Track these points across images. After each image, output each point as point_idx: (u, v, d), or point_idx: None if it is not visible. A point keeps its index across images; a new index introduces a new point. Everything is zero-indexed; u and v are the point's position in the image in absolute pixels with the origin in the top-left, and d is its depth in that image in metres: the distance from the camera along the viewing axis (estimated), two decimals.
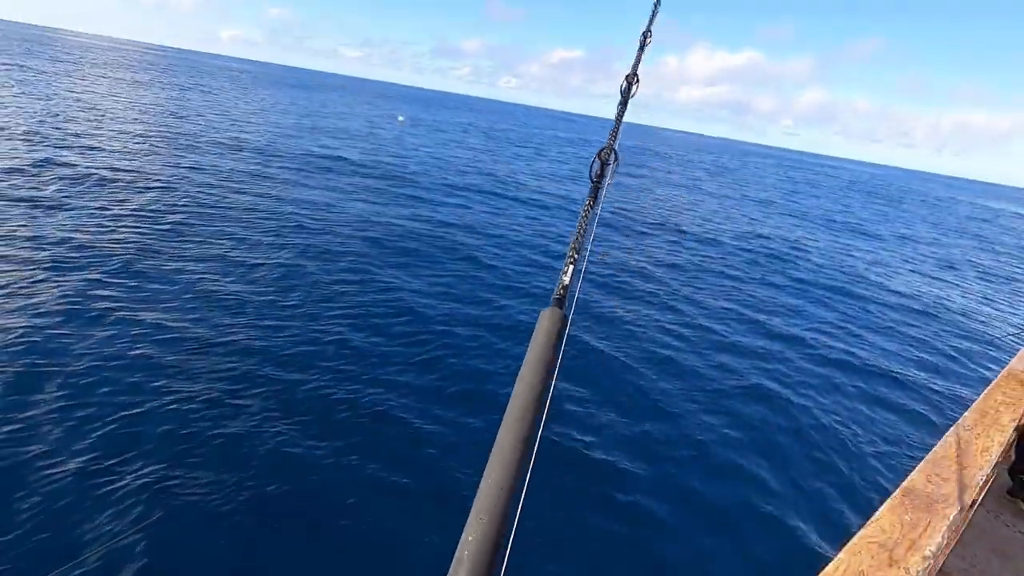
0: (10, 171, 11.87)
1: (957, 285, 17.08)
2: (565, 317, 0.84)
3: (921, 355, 10.09)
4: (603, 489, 5.04)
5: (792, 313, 11.29)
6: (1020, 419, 2.26)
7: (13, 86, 26.18)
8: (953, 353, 10.54)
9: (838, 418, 7.11)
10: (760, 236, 19.67)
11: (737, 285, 12.70)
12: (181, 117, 26.12)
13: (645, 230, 17.62)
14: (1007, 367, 2.72)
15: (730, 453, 5.95)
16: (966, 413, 2.11)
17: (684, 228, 19.00)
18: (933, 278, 17.53)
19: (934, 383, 8.90)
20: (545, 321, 0.83)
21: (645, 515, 4.80)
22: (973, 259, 22.97)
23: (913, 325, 11.88)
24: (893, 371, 9.03)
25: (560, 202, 20.22)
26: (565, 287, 0.91)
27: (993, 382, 2.53)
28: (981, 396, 2.31)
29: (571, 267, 0.93)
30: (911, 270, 18.16)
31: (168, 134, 20.59)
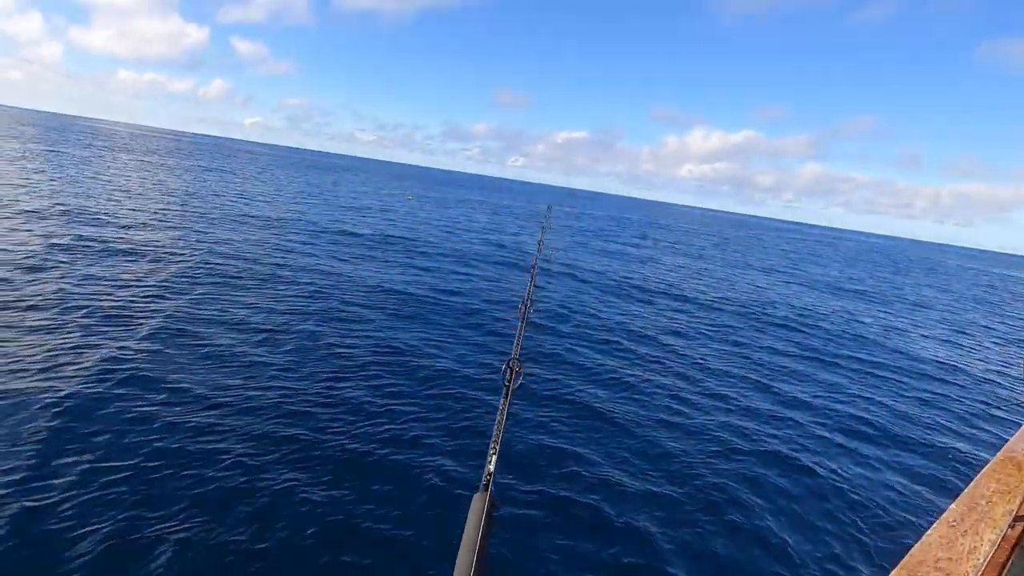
0: (47, 247, 12.52)
1: (971, 349, 16.95)
2: (493, 501, 0.95)
3: (938, 420, 9.91)
4: (615, 550, 4.95)
5: (804, 379, 11.24)
6: (1019, 508, 1.92)
7: (48, 171, 27.89)
8: (971, 417, 10.35)
9: (854, 484, 6.94)
10: (766, 303, 19.85)
11: (744, 351, 12.73)
12: (202, 196, 27.46)
13: (648, 298, 17.88)
14: (1004, 447, 2.34)
15: (742, 516, 5.83)
16: (952, 505, 1.77)
17: (687, 295, 19.25)
18: (946, 342, 17.44)
19: (954, 447, 8.71)
20: (476, 505, 0.93)
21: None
22: (986, 324, 22.86)
23: (927, 390, 11.74)
24: (910, 436, 8.87)
25: (563, 268, 20.70)
26: (491, 473, 1.00)
27: (986, 466, 2.14)
28: (971, 484, 1.95)
29: (494, 457, 1.05)
30: (923, 335, 18.09)
31: (189, 211, 21.62)
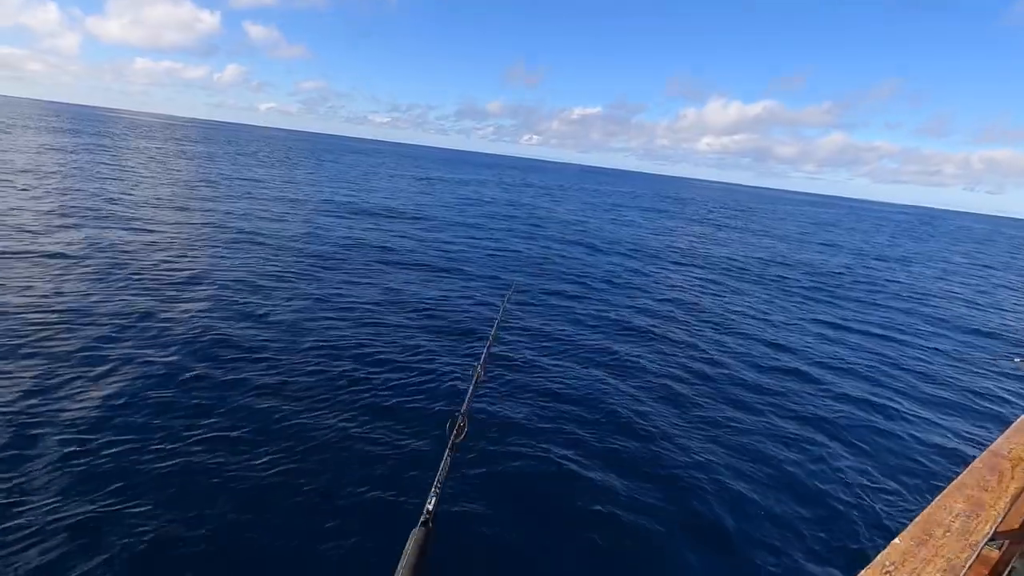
0: (92, 230, 13.02)
1: (1001, 311, 16.70)
2: (430, 536, 1.00)
3: (968, 380, 9.83)
4: (626, 520, 4.84)
5: (833, 342, 11.30)
6: (1003, 519, 1.50)
7: (82, 161, 28.63)
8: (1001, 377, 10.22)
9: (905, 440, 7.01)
10: (796, 267, 19.72)
11: (770, 317, 12.78)
12: (229, 180, 27.96)
13: (665, 267, 17.90)
14: (989, 449, 1.84)
15: (783, 470, 5.99)
16: (895, 540, 1.34)
17: (710, 263, 19.22)
18: (977, 305, 17.20)
19: (988, 408, 8.64)
20: (413, 541, 0.99)
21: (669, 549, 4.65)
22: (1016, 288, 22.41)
23: (956, 350, 11.70)
24: (939, 396, 8.83)
25: (580, 237, 20.79)
26: (430, 512, 1.05)
27: (959, 476, 1.66)
28: (933, 502, 1.51)
29: (434, 499, 1.09)
30: (953, 299, 17.85)
31: (200, 195, 22.13)
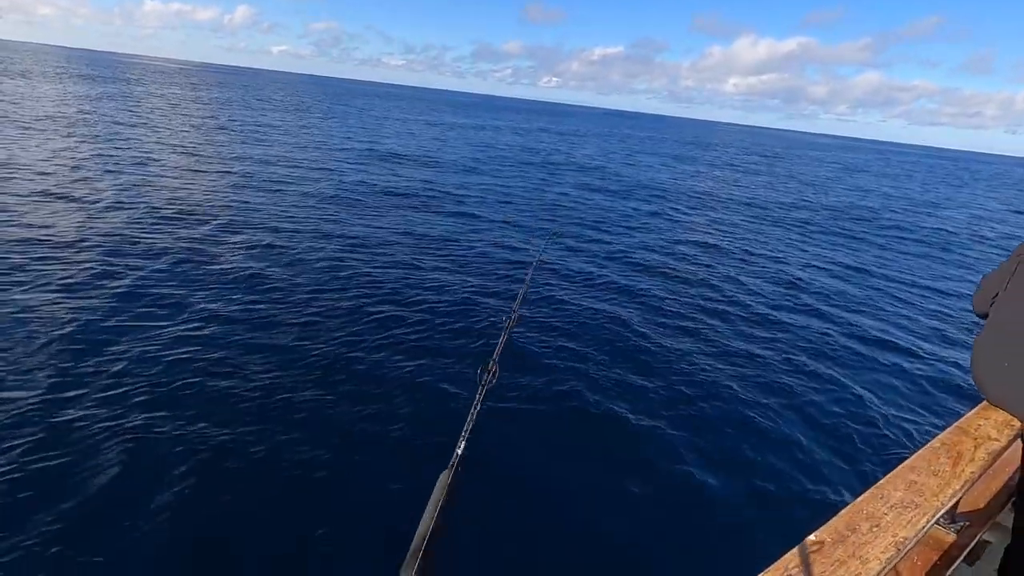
0: (74, 174, 13.30)
1: None
2: (457, 479, 1.02)
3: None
4: (641, 453, 4.94)
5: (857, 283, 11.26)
6: (957, 508, 1.38)
7: (98, 108, 28.69)
8: None
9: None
10: (819, 211, 19.36)
11: (789, 258, 12.71)
12: (226, 128, 27.89)
13: (688, 211, 17.70)
14: (954, 426, 1.65)
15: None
16: (811, 536, 1.16)
17: (731, 209, 18.93)
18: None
19: None
20: (441, 482, 1.02)
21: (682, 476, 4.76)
22: None
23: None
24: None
25: (601, 184, 20.55)
26: (459, 455, 1.07)
27: (909, 458, 1.46)
28: (871, 488, 1.33)
29: (463, 442, 1.11)
30: (994, 245, 17.45)
31: (220, 140, 22.17)
